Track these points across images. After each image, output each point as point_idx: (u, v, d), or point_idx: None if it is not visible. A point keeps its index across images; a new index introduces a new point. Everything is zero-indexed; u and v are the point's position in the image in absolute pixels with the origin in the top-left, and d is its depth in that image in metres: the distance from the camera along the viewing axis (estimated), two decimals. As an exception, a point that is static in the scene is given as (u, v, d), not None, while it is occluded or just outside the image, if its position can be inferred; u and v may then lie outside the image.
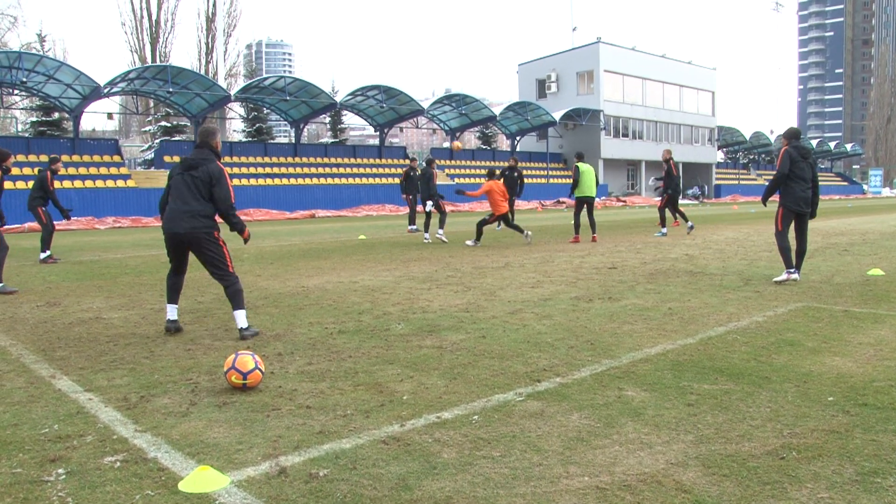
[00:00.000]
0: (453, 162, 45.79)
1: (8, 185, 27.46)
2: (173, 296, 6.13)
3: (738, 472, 3.01)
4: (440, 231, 15.63)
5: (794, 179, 8.36)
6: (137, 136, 67.10)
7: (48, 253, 12.83)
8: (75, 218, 27.13)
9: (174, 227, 5.84)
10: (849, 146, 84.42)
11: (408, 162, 18.17)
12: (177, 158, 33.06)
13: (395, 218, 30.79)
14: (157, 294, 8.22)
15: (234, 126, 54.94)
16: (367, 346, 5.51)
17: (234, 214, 5.99)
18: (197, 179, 5.86)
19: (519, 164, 19.47)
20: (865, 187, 79.32)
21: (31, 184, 29.09)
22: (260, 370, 4.35)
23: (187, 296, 8.07)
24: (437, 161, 45.71)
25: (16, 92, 34.24)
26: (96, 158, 32.04)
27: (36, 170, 29.07)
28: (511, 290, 8.22)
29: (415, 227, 18.53)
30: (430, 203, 15.52)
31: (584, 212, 15.14)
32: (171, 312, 6.14)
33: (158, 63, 43.02)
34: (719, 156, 67.16)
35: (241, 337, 5.85)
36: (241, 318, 5.93)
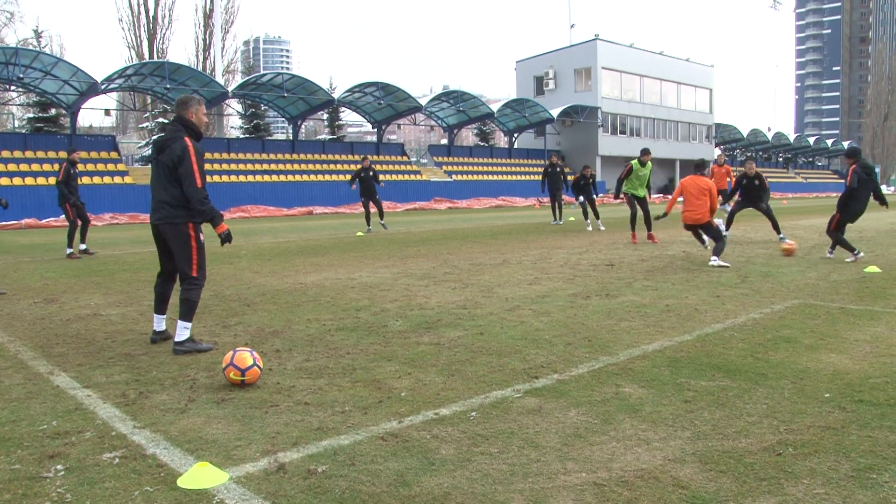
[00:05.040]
0: (450, 159, 45.77)
1: (5, 181, 27.43)
2: (160, 305, 5.60)
3: (735, 469, 3.03)
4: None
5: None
6: (135, 133, 66.86)
7: (71, 250, 13.05)
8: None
9: (153, 217, 5.40)
10: (846, 144, 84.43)
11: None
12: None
13: (393, 215, 30.79)
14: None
15: (232, 122, 54.84)
16: (365, 343, 5.52)
17: (201, 200, 5.16)
18: (163, 164, 5.22)
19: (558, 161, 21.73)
20: (862, 185, 79.25)
21: (27, 180, 29.01)
22: (258, 367, 4.35)
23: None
24: (435, 157, 45.79)
25: (12, 88, 34.15)
26: (93, 155, 31.99)
27: (33, 166, 29.15)
28: (509, 287, 8.23)
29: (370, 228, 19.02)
30: None
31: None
32: (158, 323, 5.61)
33: (156, 59, 42.88)
34: (716, 153, 67.21)
35: (174, 351, 5.23)
36: (181, 331, 5.25)
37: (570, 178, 21.60)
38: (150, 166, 5.55)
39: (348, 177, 37.26)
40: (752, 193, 13.36)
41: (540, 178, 21.62)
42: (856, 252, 10.23)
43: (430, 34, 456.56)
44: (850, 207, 10.29)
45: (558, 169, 21.19)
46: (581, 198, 18.36)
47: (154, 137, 6.19)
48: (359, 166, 18.96)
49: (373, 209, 18.97)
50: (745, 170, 13.41)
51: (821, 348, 5.12)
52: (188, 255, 5.31)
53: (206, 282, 8.91)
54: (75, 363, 5.05)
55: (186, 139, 5.21)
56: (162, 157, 5.22)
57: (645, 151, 14.09)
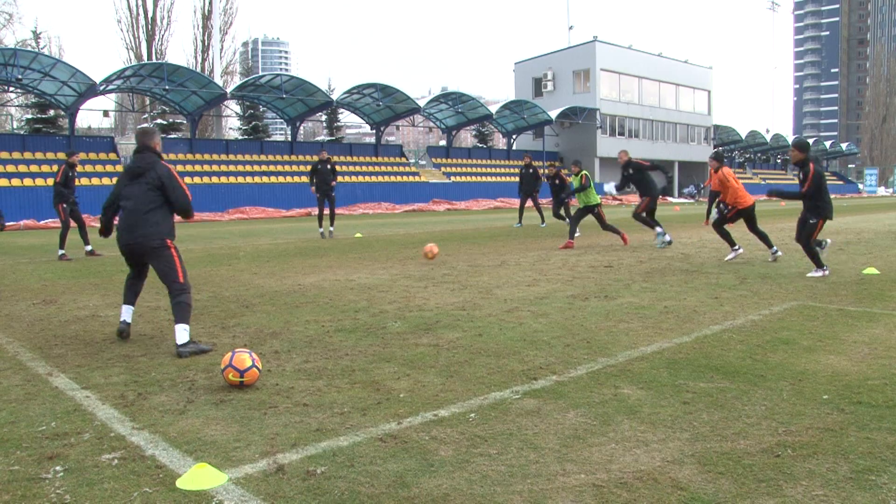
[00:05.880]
0: (449, 161, 45.78)
1: (3, 182, 27.40)
2: (130, 297, 5.91)
3: (734, 470, 3.03)
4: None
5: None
6: (133, 134, 66.87)
7: (62, 251, 12.98)
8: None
9: (128, 237, 5.62)
10: (844, 145, 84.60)
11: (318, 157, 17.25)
12: (172, 156, 33.03)
13: (391, 216, 30.81)
14: (154, 291, 8.21)
15: (231, 124, 54.80)
16: (363, 344, 5.52)
17: (189, 203, 5.80)
18: (148, 186, 5.58)
19: (533, 162, 21.93)
20: (861, 186, 79.56)
21: (26, 181, 28.99)
22: (257, 368, 4.35)
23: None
24: (433, 159, 45.82)
25: (11, 89, 34.14)
26: (92, 156, 31.97)
27: (31, 167, 29.12)
28: (507, 289, 8.23)
29: (322, 230, 17.71)
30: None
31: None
32: (126, 313, 5.85)
33: (154, 60, 42.86)
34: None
35: (178, 354, 5.26)
36: (180, 333, 5.34)
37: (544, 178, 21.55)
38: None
39: (349, 178, 37.38)
40: (640, 186, 13.59)
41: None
42: (823, 267, 9.04)
43: (429, 35, 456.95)
44: (826, 213, 8.93)
45: (531, 170, 21.04)
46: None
47: (128, 166, 6.18)
48: (315, 157, 16.59)
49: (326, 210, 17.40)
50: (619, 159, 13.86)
51: (819, 350, 5.12)
52: (172, 266, 5.59)
53: (205, 283, 8.98)
54: (74, 364, 5.05)
55: (165, 163, 5.74)
56: (146, 178, 5.60)
57: (573, 163, 14.78)
